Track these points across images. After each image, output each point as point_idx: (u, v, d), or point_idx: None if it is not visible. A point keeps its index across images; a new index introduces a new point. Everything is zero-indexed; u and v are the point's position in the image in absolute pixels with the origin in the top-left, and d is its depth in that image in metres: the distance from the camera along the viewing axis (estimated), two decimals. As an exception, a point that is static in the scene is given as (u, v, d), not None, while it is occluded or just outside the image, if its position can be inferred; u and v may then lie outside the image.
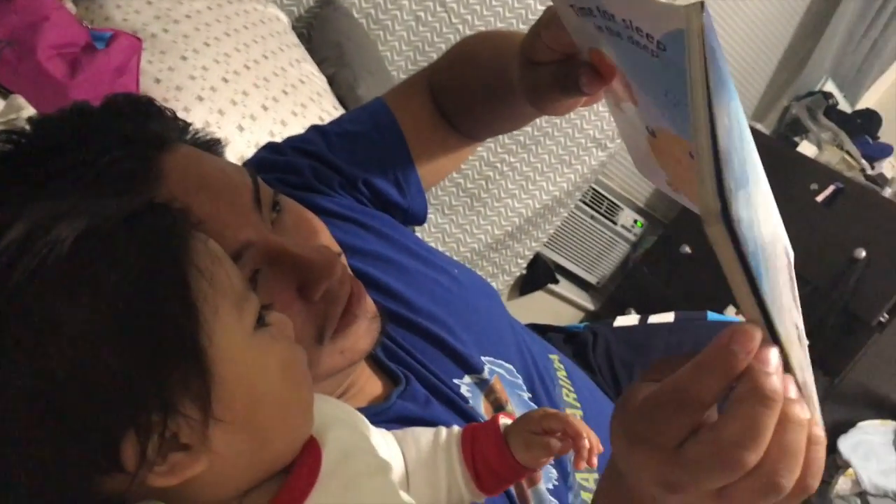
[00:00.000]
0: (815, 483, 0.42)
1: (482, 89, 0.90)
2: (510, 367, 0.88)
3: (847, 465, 2.34)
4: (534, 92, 0.69)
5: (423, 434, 0.63)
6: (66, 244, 0.39)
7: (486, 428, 0.62)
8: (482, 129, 0.98)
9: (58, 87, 1.25)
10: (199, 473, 0.42)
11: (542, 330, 1.29)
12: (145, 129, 0.63)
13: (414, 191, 0.98)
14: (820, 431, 0.43)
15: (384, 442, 0.59)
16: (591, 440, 0.60)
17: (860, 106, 3.27)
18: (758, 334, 0.40)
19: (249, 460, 0.45)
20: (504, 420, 0.63)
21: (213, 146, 0.71)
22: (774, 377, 0.40)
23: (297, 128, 1.63)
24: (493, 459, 0.61)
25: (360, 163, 0.94)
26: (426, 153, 0.97)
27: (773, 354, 0.40)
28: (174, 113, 0.68)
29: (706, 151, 0.37)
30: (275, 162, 0.94)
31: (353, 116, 1.00)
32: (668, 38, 0.42)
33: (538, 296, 3.12)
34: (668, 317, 1.25)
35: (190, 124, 0.69)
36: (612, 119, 2.49)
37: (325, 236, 0.72)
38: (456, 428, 0.64)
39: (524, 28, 2.38)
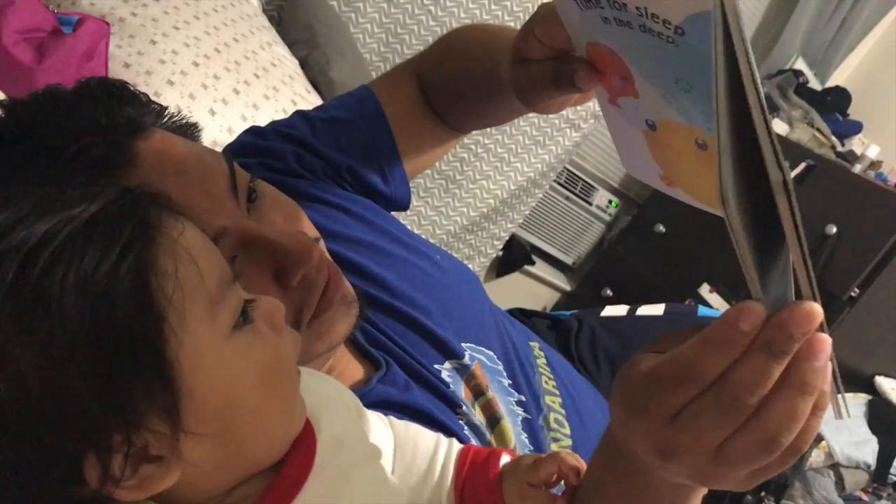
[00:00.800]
0: (805, 447, 0.43)
1: (471, 85, 0.90)
2: (491, 353, 0.88)
3: (820, 439, 2.38)
4: (526, 89, 0.69)
5: (423, 440, 0.62)
6: (20, 254, 0.36)
7: (485, 465, 0.61)
8: (470, 122, 0.98)
9: (25, 73, 1.22)
10: (171, 484, 0.40)
11: (527, 315, 1.30)
12: (119, 114, 0.61)
13: (398, 180, 0.97)
14: (825, 400, 0.43)
15: (375, 425, 0.59)
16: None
17: (830, 83, 3.30)
18: (763, 312, 0.40)
19: (227, 466, 0.43)
20: (504, 457, 0.62)
21: (189, 131, 0.70)
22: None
23: (270, 111, 1.62)
24: (484, 498, 0.60)
25: (345, 150, 0.93)
26: (411, 143, 0.97)
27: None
28: (148, 97, 0.67)
29: (724, 135, 0.37)
30: (258, 146, 0.93)
31: (339, 103, 1.00)
32: (688, 23, 0.42)
33: (515, 277, 3.13)
34: (656, 309, 1.26)
35: (165, 108, 0.68)
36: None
37: (303, 222, 0.72)
38: (456, 446, 0.63)
39: (495, 8, 2.37)
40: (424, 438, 0.62)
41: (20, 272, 0.36)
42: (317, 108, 1.00)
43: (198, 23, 1.62)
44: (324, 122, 0.95)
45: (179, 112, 0.69)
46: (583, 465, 0.59)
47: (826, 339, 0.41)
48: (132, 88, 0.66)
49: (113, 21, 1.49)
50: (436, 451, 0.62)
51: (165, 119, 0.68)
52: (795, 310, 0.40)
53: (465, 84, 0.91)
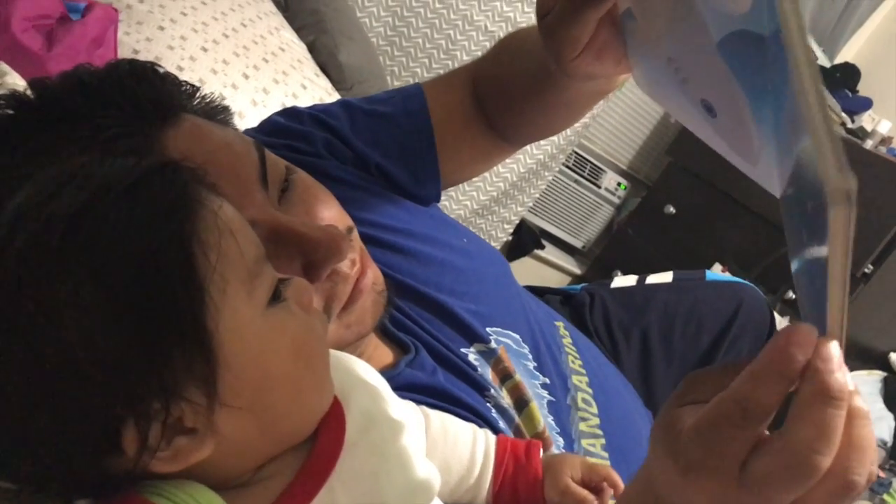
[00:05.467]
0: (875, 470, 0.40)
1: (522, 73, 0.88)
2: (517, 336, 0.87)
3: (835, 416, 2.37)
4: (550, 21, 0.67)
5: (462, 436, 0.62)
6: (65, 219, 0.37)
7: (529, 459, 0.61)
8: (521, 126, 0.95)
9: (35, 60, 1.21)
10: (204, 458, 0.40)
11: (539, 292, 1.29)
12: (147, 100, 0.60)
13: (430, 184, 0.95)
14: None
15: (407, 410, 0.58)
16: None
17: (839, 60, 3.27)
18: (814, 332, 0.38)
19: (259, 441, 0.43)
20: (542, 453, 0.63)
21: (221, 114, 0.69)
22: (839, 374, 0.38)
23: (280, 95, 1.61)
24: (523, 492, 0.60)
25: (380, 146, 0.92)
26: (453, 148, 0.94)
27: (835, 349, 0.38)
28: (179, 79, 0.65)
29: (822, 124, 0.33)
30: (289, 129, 0.91)
31: (387, 96, 0.98)
32: None
33: (525, 261, 3.12)
34: (665, 277, 1.25)
35: (198, 89, 0.66)
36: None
37: (335, 211, 0.70)
38: (492, 438, 0.63)
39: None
40: (463, 433, 0.62)
41: (66, 237, 0.37)
42: (364, 98, 0.97)
43: (205, 8, 1.61)
44: (365, 115, 0.93)
45: (211, 94, 0.68)
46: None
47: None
48: (162, 71, 0.64)
49: (120, 8, 1.48)
50: (475, 445, 0.61)
51: (198, 100, 0.66)
52: (826, 349, 0.38)
53: (517, 73, 0.88)
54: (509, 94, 0.91)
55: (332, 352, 0.51)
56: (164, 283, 0.38)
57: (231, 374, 0.40)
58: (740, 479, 0.40)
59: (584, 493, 0.59)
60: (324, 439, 0.47)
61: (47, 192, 0.38)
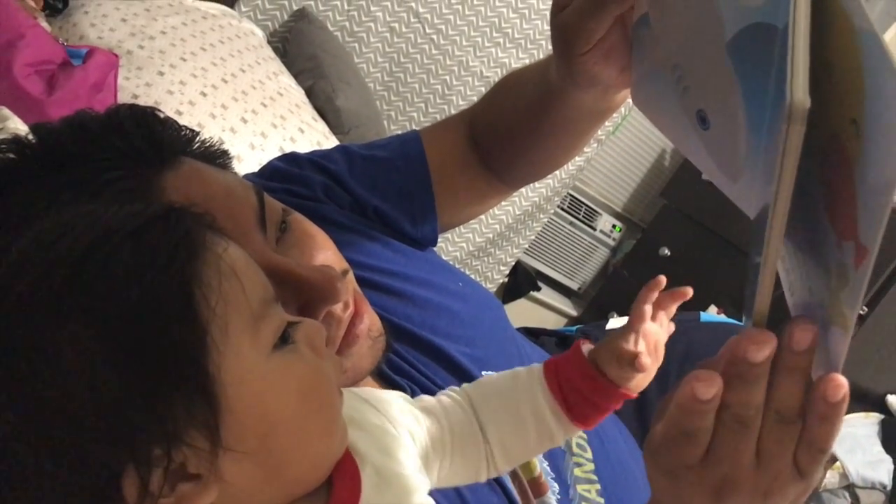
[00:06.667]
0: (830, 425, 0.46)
1: (517, 105, 0.89)
2: None
3: (834, 459, 2.35)
4: (564, 22, 0.68)
5: (500, 379, 0.63)
6: (67, 265, 0.37)
7: (570, 357, 0.62)
8: (514, 158, 0.96)
9: (36, 105, 1.23)
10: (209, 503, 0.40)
11: (534, 334, 1.29)
12: (147, 145, 0.60)
13: (427, 227, 0.96)
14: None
15: (418, 426, 0.56)
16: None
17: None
18: (710, 383, 0.45)
19: (266, 487, 0.43)
20: (586, 346, 0.63)
21: (220, 158, 0.70)
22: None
23: (278, 139, 1.63)
24: (582, 385, 0.60)
25: (379, 190, 0.93)
26: (449, 191, 0.95)
27: (753, 348, 0.45)
28: (178, 123, 0.66)
29: (802, 42, 0.36)
30: (288, 173, 0.92)
31: (385, 142, 0.99)
32: None
33: (521, 303, 3.12)
34: None
35: (197, 133, 0.67)
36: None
37: (331, 253, 0.70)
38: (536, 365, 0.63)
39: (497, 36, 2.38)
40: (501, 379, 0.63)
41: (67, 283, 0.37)
42: (363, 145, 0.99)
43: (204, 54, 1.64)
44: (363, 160, 0.94)
45: (211, 138, 0.69)
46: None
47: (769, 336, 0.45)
48: (162, 115, 0.65)
49: (121, 53, 1.51)
50: (515, 381, 0.62)
51: (197, 145, 0.67)
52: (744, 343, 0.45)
53: (513, 107, 0.90)
54: (505, 127, 0.92)
55: (347, 393, 0.50)
56: (164, 328, 0.38)
57: (234, 418, 0.40)
58: (705, 463, 0.48)
59: (633, 351, 0.60)
60: (339, 497, 0.46)
61: (50, 237, 0.38)
